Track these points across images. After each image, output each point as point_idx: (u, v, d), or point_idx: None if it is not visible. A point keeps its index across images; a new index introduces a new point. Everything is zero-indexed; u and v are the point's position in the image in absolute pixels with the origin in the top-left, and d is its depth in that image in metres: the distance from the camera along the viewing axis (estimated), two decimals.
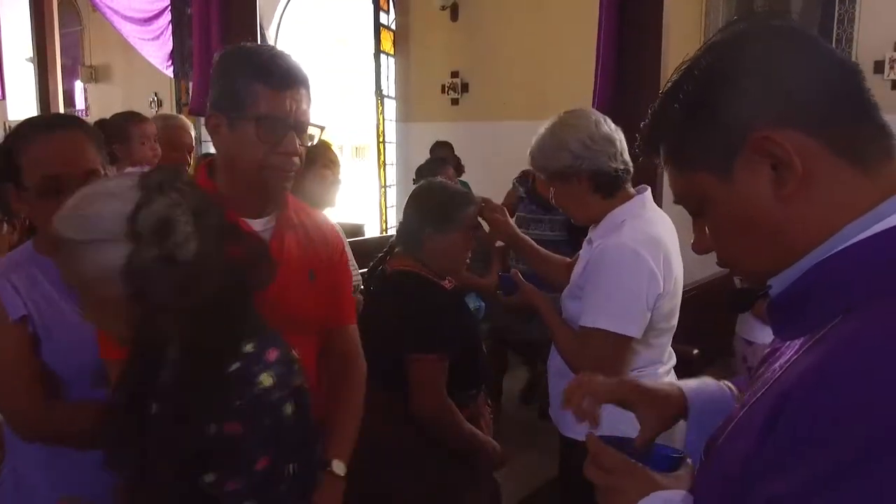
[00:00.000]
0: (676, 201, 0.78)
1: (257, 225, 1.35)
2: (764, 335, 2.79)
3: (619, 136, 1.73)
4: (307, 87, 1.31)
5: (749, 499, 0.60)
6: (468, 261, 1.90)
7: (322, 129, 1.35)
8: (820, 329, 0.64)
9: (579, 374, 1.04)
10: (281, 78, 1.26)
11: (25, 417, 1.33)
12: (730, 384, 1.00)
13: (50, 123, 1.37)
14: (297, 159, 1.31)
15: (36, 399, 1.31)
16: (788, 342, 0.71)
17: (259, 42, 3.28)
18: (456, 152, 4.55)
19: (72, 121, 1.41)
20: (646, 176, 2.51)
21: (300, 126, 1.30)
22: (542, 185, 3.55)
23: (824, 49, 0.70)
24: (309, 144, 1.35)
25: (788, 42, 0.69)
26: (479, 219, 1.92)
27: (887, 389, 0.53)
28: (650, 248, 1.62)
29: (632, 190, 1.76)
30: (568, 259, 2.05)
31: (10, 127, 1.48)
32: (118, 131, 2.70)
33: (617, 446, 0.86)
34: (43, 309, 1.33)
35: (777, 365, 0.70)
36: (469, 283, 2.70)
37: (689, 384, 1.01)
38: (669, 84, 0.75)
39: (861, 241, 0.64)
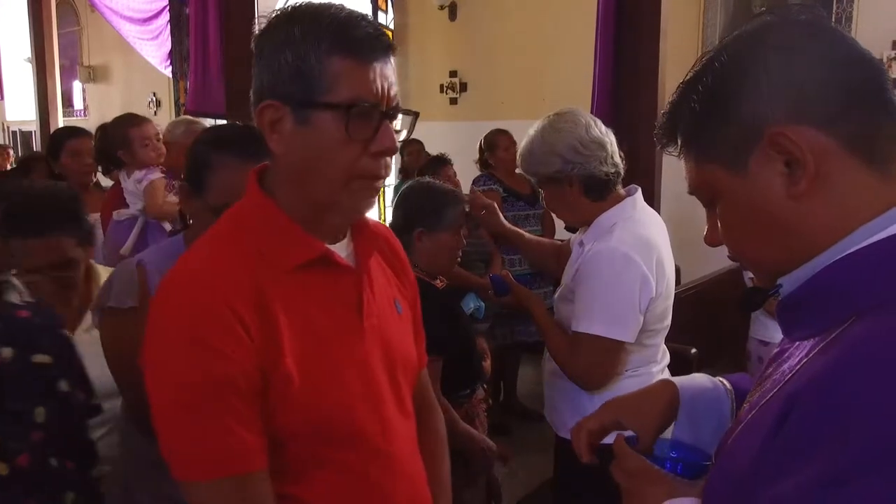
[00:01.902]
0: (690, 192, 0.77)
1: (340, 251, 1.00)
2: (779, 334, 2.77)
3: (610, 139, 1.71)
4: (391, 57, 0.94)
5: (756, 499, 0.60)
6: (458, 259, 1.90)
7: (416, 115, 1.03)
8: (830, 331, 0.64)
9: (575, 427, 1.00)
10: (369, 44, 0.89)
11: None
12: (723, 380, 1.00)
13: (246, 152, 1.27)
14: (389, 160, 0.95)
15: None
16: (797, 343, 0.71)
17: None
18: (454, 152, 4.51)
19: (261, 152, 1.26)
20: (645, 173, 2.53)
21: (393, 113, 0.94)
22: (502, 171, 3.53)
23: (847, 45, 0.68)
24: (400, 141, 0.99)
25: (810, 37, 0.68)
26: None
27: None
28: (642, 251, 1.61)
29: (622, 191, 1.74)
30: (558, 242, 2.04)
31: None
32: (119, 139, 2.70)
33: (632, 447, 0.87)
34: None
35: (786, 366, 0.69)
36: (468, 282, 2.70)
37: (680, 378, 1.01)
38: (690, 74, 0.74)
39: (874, 244, 0.63)
